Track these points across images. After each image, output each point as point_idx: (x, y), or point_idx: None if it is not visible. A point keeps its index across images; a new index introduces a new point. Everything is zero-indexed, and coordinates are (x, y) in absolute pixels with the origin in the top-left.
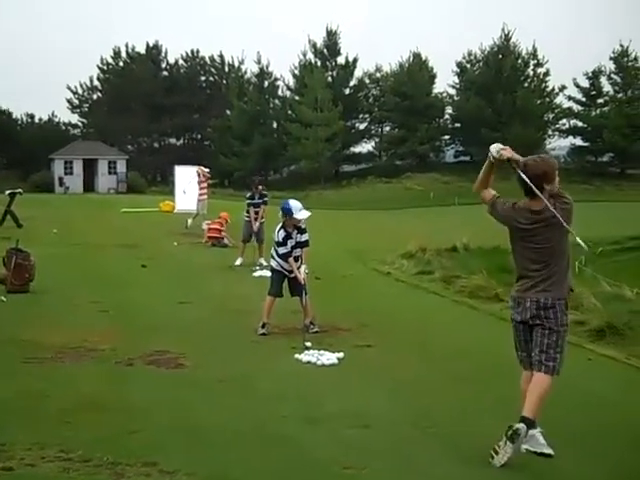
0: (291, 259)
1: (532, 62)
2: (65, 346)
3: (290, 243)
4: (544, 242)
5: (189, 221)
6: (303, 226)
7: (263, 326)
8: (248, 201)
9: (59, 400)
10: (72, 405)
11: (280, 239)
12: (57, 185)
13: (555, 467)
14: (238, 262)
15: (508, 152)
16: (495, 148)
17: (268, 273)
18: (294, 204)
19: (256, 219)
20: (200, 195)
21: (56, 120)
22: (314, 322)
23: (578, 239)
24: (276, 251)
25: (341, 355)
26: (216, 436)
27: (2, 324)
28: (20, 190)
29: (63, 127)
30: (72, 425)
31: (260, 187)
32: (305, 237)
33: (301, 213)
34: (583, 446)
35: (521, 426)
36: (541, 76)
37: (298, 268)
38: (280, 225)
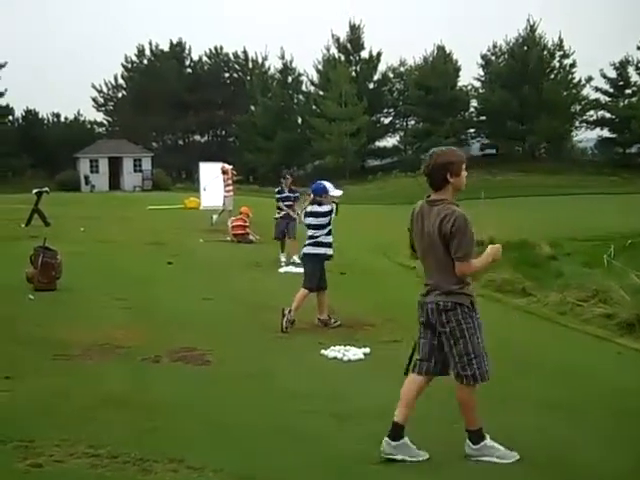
0: None
1: (558, 53)
2: (92, 343)
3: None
4: (430, 247)
5: (214, 217)
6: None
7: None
8: (277, 196)
9: (87, 397)
10: (100, 402)
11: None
12: (83, 183)
13: (580, 459)
14: (283, 258)
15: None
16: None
17: (294, 269)
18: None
19: (295, 211)
20: (227, 192)
21: (81, 119)
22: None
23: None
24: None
25: (367, 350)
26: (243, 432)
27: (30, 322)
28: (47, 189)
29: (88, 126)
30: (100, 422)
31: (287, 178)
32: None
33: (336, 191)
34: (609, 438)
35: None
36: (567, 67)
37: None
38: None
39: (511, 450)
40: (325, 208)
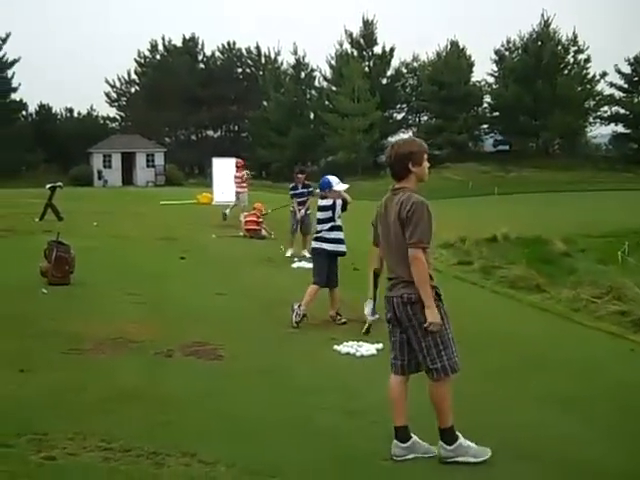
0: None
1: (572, 48)
2: (105, 337)
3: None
4: (394, 238)
5: (227, 212)
6: None
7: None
8: (291, 192)
9: (100, 391)
10: (112, 396)
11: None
12: (96, 178)
13: (584, 455)
14: (289, 253)
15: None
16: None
17: (306, 265)
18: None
19: (300, 209)
20: (241, 187)
21: (95, 114)
22: (340, 313)
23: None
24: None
25: (380, 346)
26: (255, 427)
27: (44, 316)
28: (60, 184)
29: (101, 121)
30: (113, 415)
31: (301, 176)
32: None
33: (340, 185)
34: (615, 433)
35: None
36: (581, 63)
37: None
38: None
39: (484, 447)
40: (327, 202)
